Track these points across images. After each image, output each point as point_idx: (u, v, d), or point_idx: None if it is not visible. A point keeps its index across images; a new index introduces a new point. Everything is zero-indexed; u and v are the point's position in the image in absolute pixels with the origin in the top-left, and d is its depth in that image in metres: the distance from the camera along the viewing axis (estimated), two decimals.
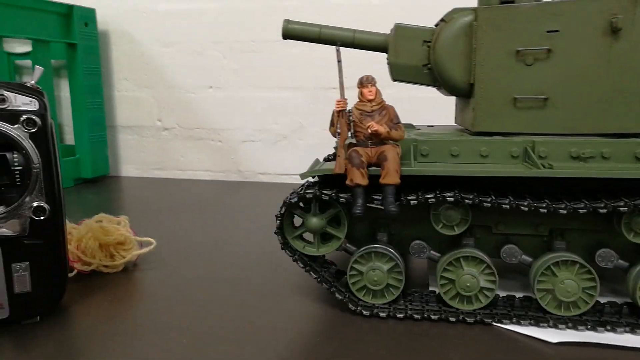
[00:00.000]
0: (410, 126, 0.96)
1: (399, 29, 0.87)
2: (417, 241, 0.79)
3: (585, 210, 0.71)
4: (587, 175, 0.71)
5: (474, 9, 0.79)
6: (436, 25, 0.85)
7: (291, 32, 0.92)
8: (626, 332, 0.71)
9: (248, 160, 1.91)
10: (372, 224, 0.82)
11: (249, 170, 1.91)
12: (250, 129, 1.88)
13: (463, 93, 0.83)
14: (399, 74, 0.88)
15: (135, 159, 2.02)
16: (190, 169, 1.97)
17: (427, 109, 1.33)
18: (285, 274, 0.94)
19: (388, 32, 0.88)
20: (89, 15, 1.85)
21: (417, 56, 0.86)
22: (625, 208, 0.69)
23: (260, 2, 1.78)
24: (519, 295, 0.80)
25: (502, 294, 0.80)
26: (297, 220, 0.80)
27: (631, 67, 0.74)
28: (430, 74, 0.85)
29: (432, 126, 1.00)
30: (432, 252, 0.79)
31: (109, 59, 1.99)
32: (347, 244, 0.81)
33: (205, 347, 0.70)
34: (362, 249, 0.79)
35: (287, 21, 0.91)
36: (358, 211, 0.73)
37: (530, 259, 0.77)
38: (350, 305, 0.78)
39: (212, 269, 0.99)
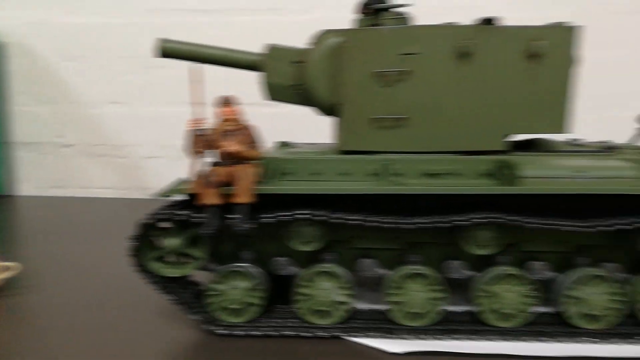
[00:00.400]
0: (286, 144, 0.97)
1: (272, 49, 0.88)
2: (277, 258, 0.80)
3: (428, 226, 0.74)
4: (431, 192, 0.74)
5: (342, 31, 0.81)
6: (308, 45, 0.88)
7: (168, 51, 0.91)
8: (469, 339, 0.75)
9: (152, 176, 1.86)
10: (236, 243, 0.82)
11: (151, 187, 1.86)
12: (154, 144, 1.84)
13: (332, 113, 0.86)
14: (273, 93, 0.89)
15: (33, 177, 1.92)
16: (91, 187, 1.89)
17: (315, 126, 1.35)
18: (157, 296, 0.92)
19: (261, 51, 0.89)
20: None
21: (290, 76, 0.87)
22: (465, 223, 0.74)
23: (165, 19, 1.76)
24: (373, 307, 0.82)
25: (358, 306, 0.82)
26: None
27: (480, 89, 0.79)
28: (304, 94, 0.87)
29: (314, 144, 1.02)
30: (292, 267, 0.81)
31: (7, 72, 1.89)
32: (209, 263, 0.81)
33: None
34: (222, 267, 0.79)
35: (162, 40, 0.91)
36: (207, 230, 0.73)
37: (384, 272, 0.80)
38: (207, 325, 0.78)
39: (86, 293, 0.95)
